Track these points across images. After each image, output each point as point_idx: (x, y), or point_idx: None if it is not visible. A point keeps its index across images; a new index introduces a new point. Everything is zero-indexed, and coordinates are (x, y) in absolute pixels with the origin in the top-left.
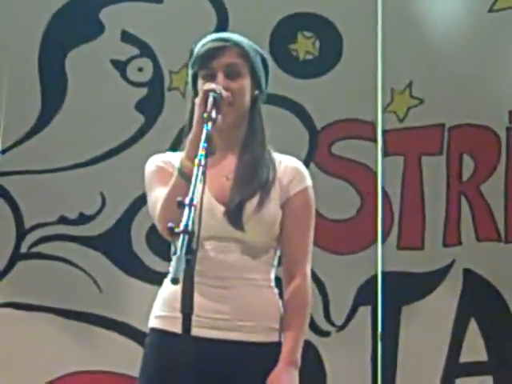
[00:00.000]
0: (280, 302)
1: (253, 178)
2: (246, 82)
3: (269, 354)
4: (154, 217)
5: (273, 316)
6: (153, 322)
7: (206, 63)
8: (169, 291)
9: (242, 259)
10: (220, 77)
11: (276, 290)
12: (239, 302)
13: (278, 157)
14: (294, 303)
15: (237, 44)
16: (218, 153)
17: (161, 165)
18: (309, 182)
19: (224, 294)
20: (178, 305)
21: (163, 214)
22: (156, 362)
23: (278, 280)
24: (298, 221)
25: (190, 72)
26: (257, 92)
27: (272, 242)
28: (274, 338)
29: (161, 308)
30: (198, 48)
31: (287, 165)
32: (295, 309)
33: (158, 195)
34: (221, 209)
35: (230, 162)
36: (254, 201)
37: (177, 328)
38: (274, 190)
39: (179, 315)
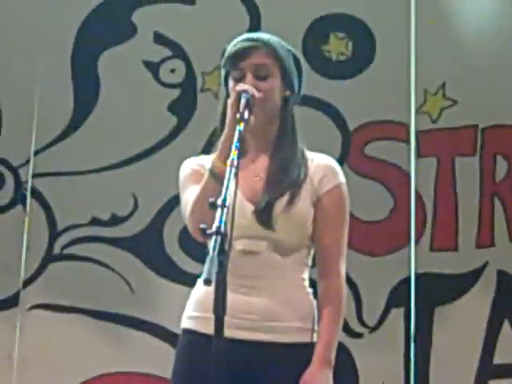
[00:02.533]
0: (314, 302)
1: (283, 177)
2: (276, 83)
3: (300, 354)
4: (185, 218)
5: (304, 316)
6: (185, 323)
7: (235, 63)
8: (201, 292)
9: (273, 258)
10: (249, 77)
11: (309, 290)
12: (269, 303)
13: (310, 155)
14: (327, 302)
15: (267, 44)
16: (250, 153)
17: (195, 167)
18: (341, 179)
19: (254, 293)
20: (210, 306)
21: (194, 215)
22: (188, 363)
23: (313, 281)
24: (330, 218)
25: (222, 72)
26: (288, 93)
27: (304, 241)
28: (306, 338)
29: (193, 309)
30: (229, 48)
31: (319, 162)
32: (329, 308)
33: (189, 197)
34: (250, 208)
35: (262, 162)
36: (284, 199)
37: (208, 329)
38: (305, 188)
39: (211, 316)
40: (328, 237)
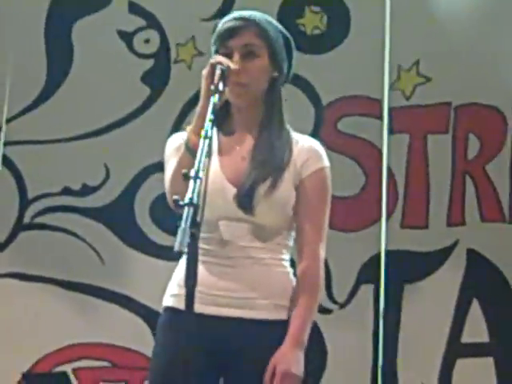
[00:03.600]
0: (293, 281)
1: (267, 160)
2: (263, 63)
3: (274, 331)
4: (166, 192)
5: (280, 294)
6: (166, 301)
7: (224, 42)
8: (182, 270)
9: (253, 240)
10: (236, 57)
11: (289, 269)
12: (244, 280)
13: (295, 137)
14: (303, 283)
15: (256, 24)
16: (236, 133)
17: (180, 141)
18: (325, 162)
19: (230, 271)
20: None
21: (171, 188)
22: (164, 338)
23: (294, 261)
24: (311, 202)
25: (212, 49)
26: (275, 74)
27: (284, 224)
28: (282, 315)
29: (174, 287)
30: (219, 26)
31: (303, 145)
32: (305, 289)
33: (169, 171)
34: (232, 190)
35: (248, 143)
36: (267, 184)
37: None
38: (288, 171)
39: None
40: (308, 221)
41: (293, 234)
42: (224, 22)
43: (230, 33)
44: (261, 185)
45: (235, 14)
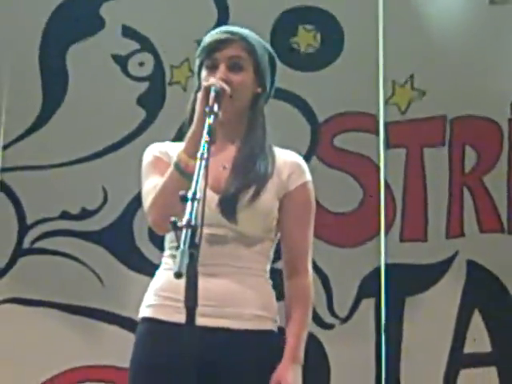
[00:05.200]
0: (273, 293)
1: (250, 170)
2: (248, 77)
3: (257, 341)
4: (145, 208)
5: (264, 304)
6: (144, 312)
7: (210, 54)
8: (162, 281)
9: (236, 249)
10: (222, 68)
11: (270, 281)
12: (229, 290)
13: (277, 151)
14: (296, 299)
15: (243, 38)
16: (218, 143)
17: (157, 155)
18: (308, 176)
19: (213, 281)
20: (174, 294)
21: (155, 207)
22: (150, 350)
23: (273, 272)
24: (299, 216)
25: (196, 62)
26: (259, 89)
27: (267, 234)
28: (265, 326)
29: (154, 298)
30: (206, 39)
31: (286, 159)
32: (298, 305)
33: (150, 186)
34: (215, 198)
35: (229, 153)
36: (250, 192)
37: (171, 317)
38: (272, 182)
39: (173, 304)
40: (296, 234)
41: (273, 245)
42: (211, 35)
43: (217, 44)
44: (243, 193)
45: (222, 28)
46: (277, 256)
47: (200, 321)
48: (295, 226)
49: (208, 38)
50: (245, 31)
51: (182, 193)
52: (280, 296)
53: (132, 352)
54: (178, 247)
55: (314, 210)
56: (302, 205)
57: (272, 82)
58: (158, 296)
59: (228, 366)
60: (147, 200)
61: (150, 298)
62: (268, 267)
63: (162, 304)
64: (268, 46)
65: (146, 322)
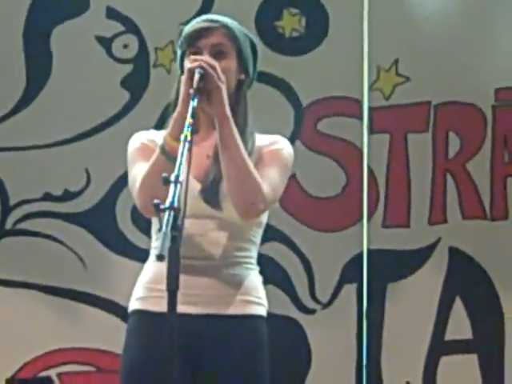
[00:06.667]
0: (260, 278)
1: None
2: (232, 64)
3: (246, 326)
4: (133, 192)
5: (249, 289)
6: (134, 305)
7: (193, 42)
8: (150, 274)
9: (221, 237)
10: (205, 55)
11: (256, 267)
12: (214, 277)
13: (260, 137)
14: None
15: (225, 26)
16: (201, 132)
17: (144, 142)
18: (283, 145)
19: (200, 270)
20: (161, 285)
21: (143, 191)
22: (143, 343)
23: (260, 257)
24: (264, 161)
25: (179, 52)
26: (242, 76)
27: (252, 220)
28: (251, 310)
29: (143, 291)
30: (187, 28)
31: (266, 141)
32: None
33: (138, 171)
34: (197, 187)
35: (212, 141)
36: None
37: (160, 307)
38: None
39: (162, 295)
40: (262, 171)
41: (260, 231)
42: (192, 25)
43: (200, 32)
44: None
45: (203, 16)
46: (262, 240)
47: (185, 309)
48: (261, 167)
49: (189, 28)
50: (225, 19)
51: (164, 175)
52: (266, 281)
53: (124, 345)
54: (160, 229)
55: (286, 166)
56: (269, 155)
57: (254, 69)
58: (146, 288)
59: (215, 352)
60: (135, 185)
61: (138, 290)
62: (255, 254)
63: (150, 296)
64: (249, 32)
65: (135, 315)
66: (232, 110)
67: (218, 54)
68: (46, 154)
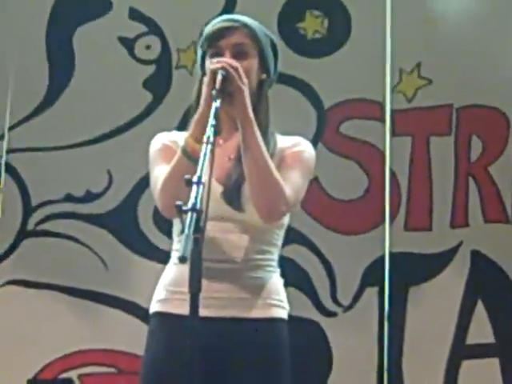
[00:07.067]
0: (281, 281)
1: None
2: (254, 64)
3: (266, 329)
4: (155, 194)
5: (270, 292)
6: (155, 307)
7: (214, 42)
8: (171, 275)
9: (242, 239)
10: (227, 56)
11: (277, 269)
12: (236, 280)
13: (281, 138)
14: None
15: (246, 25)
16: (223, 133)
17: (166, 143)
18: (305, 147)
19: (221, 273)
20: (183, 287)
21: (164, 192)
22: (163, 344)
23: (281, 260)
24: (286, 163)
25: (199, 52)
26: (264, 76)
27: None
28: (272, 313)
29: (164, 293)
30: (208, 28)
31: (288, 142)
32: None
33: (160, 173)
34: (219, 189)
35: (234, 143)
36: None
37: (181, 310)
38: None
39: (184, 297)
40: (284, 174)
41: (282, 233)
42: (212, 24)
43: (221, 32)
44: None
45: (223, 16)
46: (284, 242)
47: (207, 312)
48: (283, 169)
49: (210, 27)
50: (246, 18)
51: (187, 177)
52: (287, 283)
53: (145, 347)
54: (182, 231)
55: (309, 168)
56: (291, 155)
57: (275, 69)
58: (166, 291)
59: (236, 355)
60: (156, 186)
61: (159, 293)
62: (276, 256)
63: (171, 298)
64: (269, 32)
65: (156, 317)
66: (254, 110)
67: (239, 53)
68: (68, 154)
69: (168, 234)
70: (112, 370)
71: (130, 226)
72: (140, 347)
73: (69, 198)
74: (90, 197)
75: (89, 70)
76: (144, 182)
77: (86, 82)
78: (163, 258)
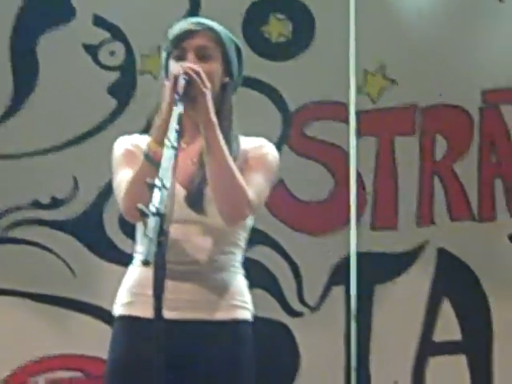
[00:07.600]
0: (245, 282)
1: None
2: (217, 67)
3: (230, 330)
4: (118, 198)
5: (234, 293)
6: (119, 310)
7: (177, 44)
8: (134, 278)
9: (206, 241)
10: (190, 57)
11: (241, 271)
12: (200, 282)
13: (244, 140)
14: None
15: (210, 28)
16: (187, 137)
17: (129, 147)
18: (268, 150)
19: (186, 275)
20: (145, 290)
21: (128, 197)
22: (128, 348)
23: (247, 261)
24: (249, 166)
25: (163, 54)
26: (227, 79)
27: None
28: (237, 315)
29: (127, 295)
30: (173, 30)
31: (250, 144)
32: None
33: (123, 177)
34: (182, 192)
35: (197, 147)
36: None
37: (145, 312)
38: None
39: (147, 299)
40: (246, 176)
41: (245, 234)
42: (178, 26)
43: (186, 34)
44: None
45: (188, 20)
46: (250, 244)
47: (171, 314)
48: (246, 171)
49: (174, 30)
50: (210, 22)
51: (149, 180)
52: (253, 285)
53: (108, 351)
54: (146, 235)
55: (272, 171)
56: (254, 157)
57: (239, 73)
58: (130, 293)
59: (200, 358)
60: (120, 191)
61: (123, 295)
62: (240, 257)
63: (135, 301)
64: (234, 36)
65: (120, 320)
66: (217, 113)
67: (202, 56)
68: (33, 161)
69: (134, 238)
70: (80, 374)
71: (96, 231)
72: (107, 351)
73: (35, 205)
74: (55, 203)
75: (53, 78)
76: (109, 188)
77: (50, 90)
78: (130, 262)
